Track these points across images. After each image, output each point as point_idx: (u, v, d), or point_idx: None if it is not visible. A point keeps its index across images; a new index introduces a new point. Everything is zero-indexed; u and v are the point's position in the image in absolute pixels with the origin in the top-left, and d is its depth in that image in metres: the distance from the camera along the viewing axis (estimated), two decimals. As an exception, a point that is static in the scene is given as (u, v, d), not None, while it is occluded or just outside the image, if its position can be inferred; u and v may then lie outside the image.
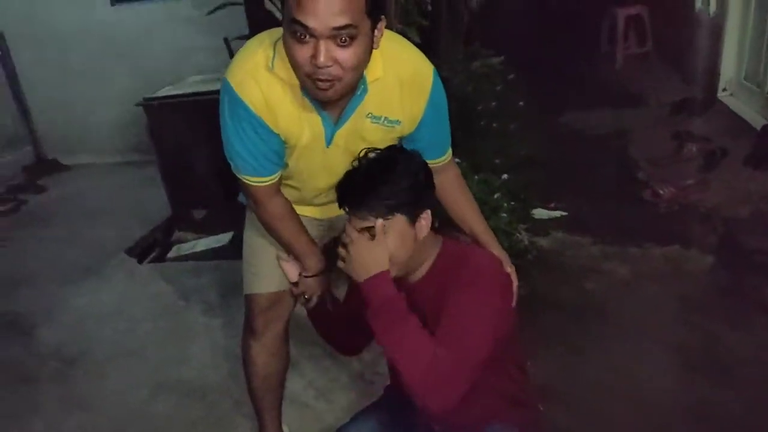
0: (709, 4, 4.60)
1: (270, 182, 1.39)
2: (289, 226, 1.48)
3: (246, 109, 1.26)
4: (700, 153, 3.58)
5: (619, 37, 5.89)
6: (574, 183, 3.53)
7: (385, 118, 1.35)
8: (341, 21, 1.09)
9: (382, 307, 1.19)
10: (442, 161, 1.49)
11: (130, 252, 3.26)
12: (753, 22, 3.95)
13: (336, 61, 1.13)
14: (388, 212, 1.22)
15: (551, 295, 2.56)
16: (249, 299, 1.68)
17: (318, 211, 1.64)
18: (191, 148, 3.27)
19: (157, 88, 3.49)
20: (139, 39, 4.48)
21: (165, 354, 2.47)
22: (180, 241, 3.39)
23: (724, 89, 4.29)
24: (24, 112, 5.04)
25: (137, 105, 3.26)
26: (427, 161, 1.39)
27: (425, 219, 1.28)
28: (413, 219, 1.26)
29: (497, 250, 1.48)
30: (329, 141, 1.36)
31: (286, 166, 1.43)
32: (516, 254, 2.52)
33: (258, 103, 1.27)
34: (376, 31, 1.19)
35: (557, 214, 3.31)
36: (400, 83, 1.32)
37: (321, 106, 1.29)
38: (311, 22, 1.09)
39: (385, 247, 1.23)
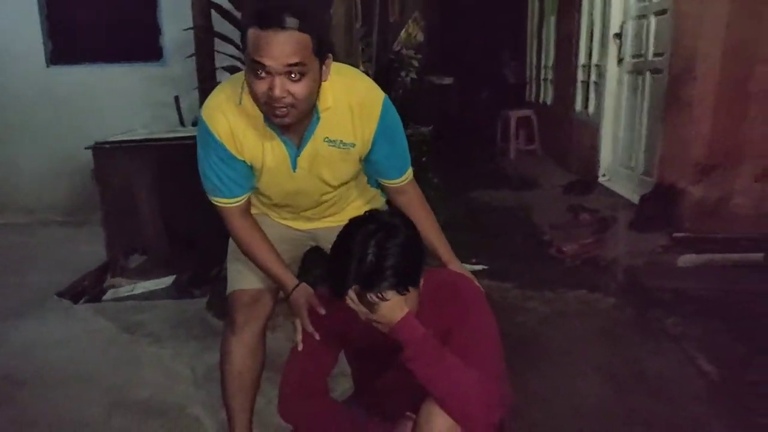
0: (587, 107, 5.49)
1: (235, 204, 1.55)
2: (258, 245, 1.60)
3: (213, 138, 1.46)
4: (594, 219, 4.17)
5: (512, 134, 6.74)
6: (490, 244, 3.94)
7: (340, 141, 1.52)
8: (292, 60, 1.30)
9: (419, 348, 1.24)
10: (401, 182, 1.64)
11: (61, 295, 3.15)
12: (624, 121, 4.78)
13: (290, 93, 1.34)
14: (401, 288, 1.23)
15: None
16: (232, 296, 1.77)
17: (299, 223, 1.78)
18: (137, 193, 3.31)
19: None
20: (75, 98, 4.51)
21: (117, 378, 2.41)
22: (114, 287, 3.33)
23: (604, 175, 5.05)
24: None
25: (87, 148, 3.29)
26: (388, 181, 1.59)
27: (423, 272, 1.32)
28: (418, 282, 1.29)
29: (459, 267, 1.65)
30: (294, 165, 1.54)
31: (256, 189, 1.60)
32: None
33: (224, 133, 1.46)
34: (324, 67, 1.40)
35: (479, 267, 3.67)
36: (350, 109, 1.49)
37: (282, 132, 1.48)
38: (267, 62, 1.30)
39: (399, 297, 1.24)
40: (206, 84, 3.45)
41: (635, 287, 3.19)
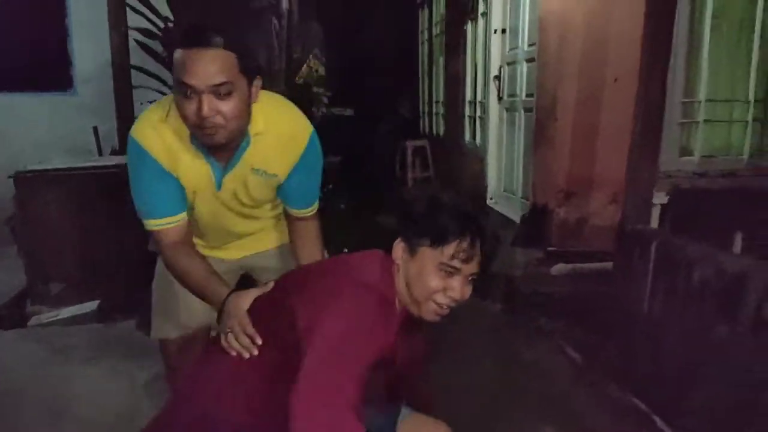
0: (474, 138, 6.16)
1: (173, 224, 1.49)
2: (197, 269, 1.50)
3: (148, 155, 1.42)
4: (482, 238, 4.75)
5: (408, 163, 7.32)
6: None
7: (264, 171, 1.52)
8: (218, 79, 1.30)
9: None
10: (305, 213, 1.69)
11: (-19, 323, 3.20)
12: (505, 151, 5.46)
13: (218, 112, 1.32)
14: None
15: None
16: (161, 342, 1.79)
17: (229, 252, 1.77)
18: (59, 221, 3.43)
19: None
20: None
21: (56, 395, 2.51)
22: (35, 314, 3.40)
23: (491, 198, 5.70)
24: None
25: (9, 177, 3.36)
26: (293, 210, 1.63)
27: None
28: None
29: None
30: (219, 185, 1.52)
31: (191, 209, 1.56)
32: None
33: (158, 150, 1.43)
34: (253, 87, 1.39)
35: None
36: (278, 139, 1.50)
37: (209, 153, 1.46)
38: (194, 81, 1.29)
39: None
40: (125, 113, 3.62)
41: (516, 294, 3.76)
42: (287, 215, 1.73)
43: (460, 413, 2.49)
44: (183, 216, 1.51)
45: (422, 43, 8.04)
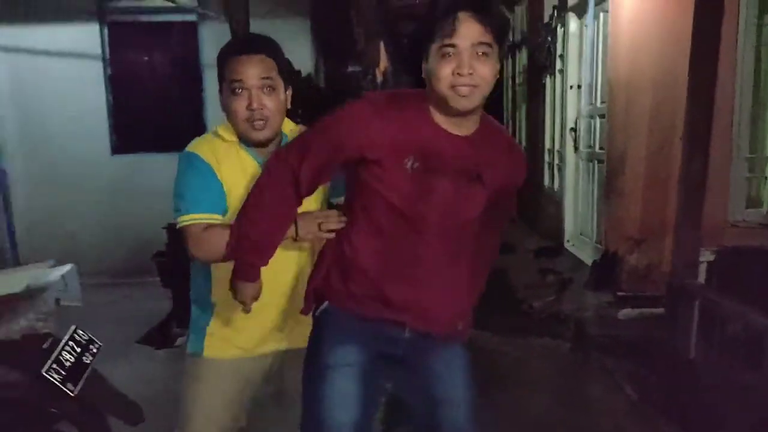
0: (553, 183, 6.57)
1: (207, 219, 1.56)
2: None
3: (197, 157, 1.60)
4: (557, 281, 5.15)
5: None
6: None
7: None
8: (264, 74, 1.57)
9: None
10: None
11: (141, 342, 4.03)
12: (581, 197, 5.84)
13: (264, 106, 1.56)
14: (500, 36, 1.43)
15: (480, 363, 3.77)
16: None
17: (272, 342, 1.70)
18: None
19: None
20: (137, 184, 5.48)
21: None
22: (180, 336, 4.21)
23: (568, 241, 6.07)
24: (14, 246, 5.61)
25: (163, 228, 4.21)
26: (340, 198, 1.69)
27: None
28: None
29: None
30: None
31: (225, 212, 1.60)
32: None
33: (206, 153, 1.60)
34: (287, 92, 1.64)
35: (465, 319, 4.62)
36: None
37: (257, 155, 1.63)
38: (244, 77, 1.56)
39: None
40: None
41: (584, 335, 4.16)
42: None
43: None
44: (218, 218, 1.58)
45: (507, 89, 8.55)
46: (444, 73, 1.39)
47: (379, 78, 6.77)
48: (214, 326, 1.70)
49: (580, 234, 5.88)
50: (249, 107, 1.55)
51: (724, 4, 3.27)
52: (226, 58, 1.60)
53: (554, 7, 6.13)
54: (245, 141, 1.62)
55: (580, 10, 5.59)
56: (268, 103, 1.56)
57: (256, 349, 1.71)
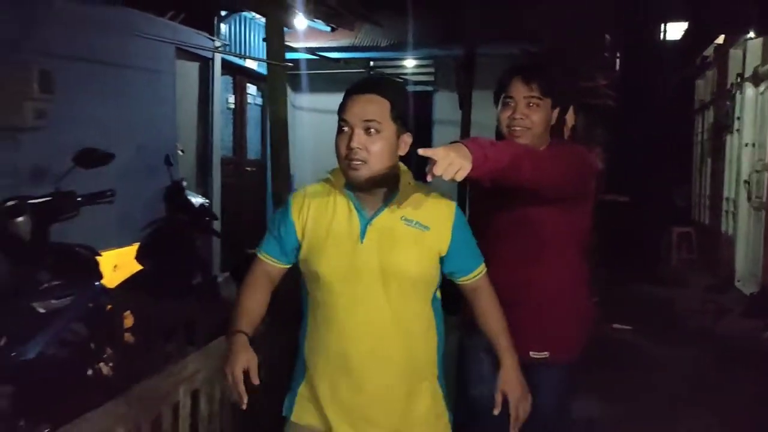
0: (728, 226, 7.30)
1: (269, 262, 1.62)
2: (249, 297, 1.61)
3: (287, 205, 1.62)
4: (716, 308, 6.00)
5: (673, 246, 8.58)
6: (639, 320, 5.94)
7: (417, 222, 1.54)
8: (369, 116, 1.48)
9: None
10: (477, 273, 1.64)
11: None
12: (753, 238, 6.55)
13: (365, 148, 1.47)
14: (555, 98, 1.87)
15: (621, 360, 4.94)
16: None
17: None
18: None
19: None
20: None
21: None
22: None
23: (738, 280, 6.77)
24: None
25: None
26: (464, 276, 1.62)
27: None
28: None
29: (512, 359, 1.62)
30: (363, 235, 1.52)
31: (291, 262, 1.63)
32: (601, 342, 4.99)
33: (298, 202, 1.60)
34: (401, 139, 1.52)
35: (628, 327, 5.72)
36: (428, 194, 1.58)
37: (358, 200, 1.54)
38: (348, 116, 1.49)
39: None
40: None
41: (737, 355, 5.02)
42: (463, 291, 1.68)
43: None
44: (278, 264, 1.63)
45: (696, 144, 9.29)
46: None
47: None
48: (304, 388, 1.63)
49: (749, 274, 6.59)
50: (348, 146, 1.50)
51: None
52: (344, 96, 1.56)
53: (738, 74, 7.02)
54: (349, 184, 1.55)
55: (757, 79, 6.47)
56: (371, 146, 1.48)
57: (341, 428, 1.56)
